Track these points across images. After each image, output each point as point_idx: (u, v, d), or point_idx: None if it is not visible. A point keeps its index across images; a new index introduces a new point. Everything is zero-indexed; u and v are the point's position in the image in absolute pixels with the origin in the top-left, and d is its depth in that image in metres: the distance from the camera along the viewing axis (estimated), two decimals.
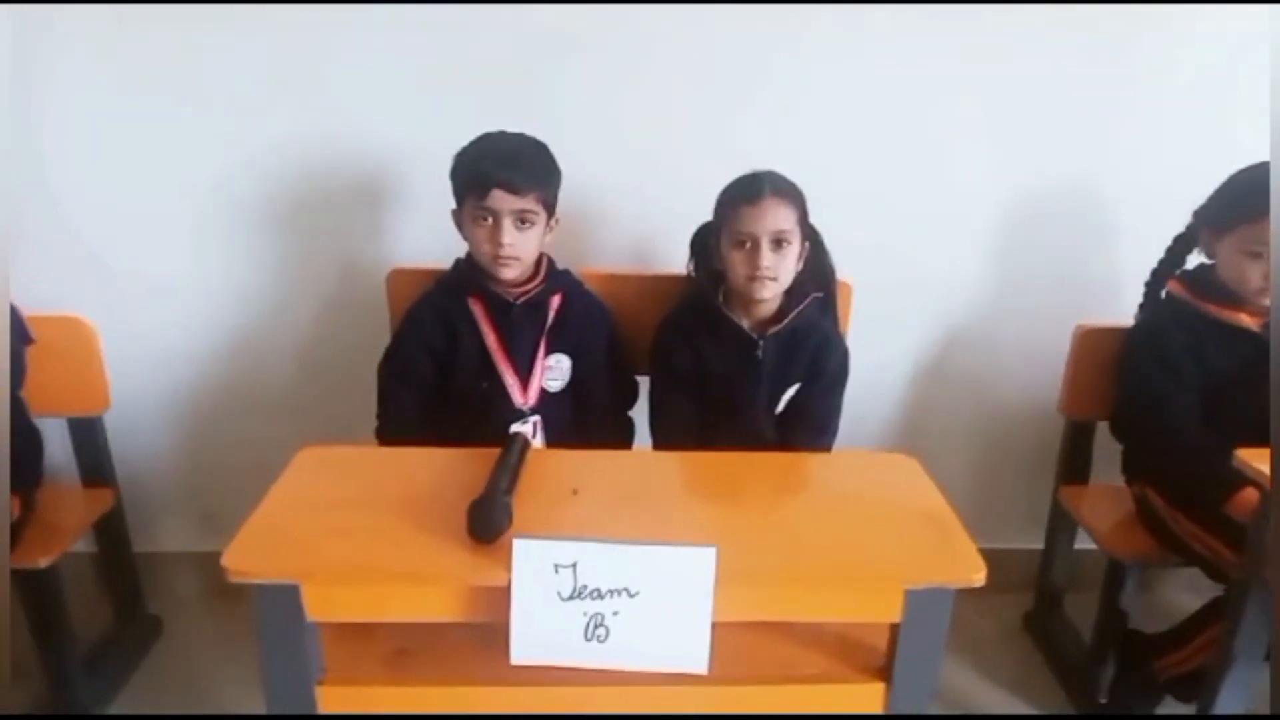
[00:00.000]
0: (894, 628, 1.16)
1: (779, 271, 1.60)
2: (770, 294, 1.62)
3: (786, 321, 1.66)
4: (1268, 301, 1.67)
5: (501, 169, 1.56)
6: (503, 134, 1.63)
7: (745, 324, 1.67)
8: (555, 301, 1.72)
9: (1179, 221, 1.82)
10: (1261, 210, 1.56)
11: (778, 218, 1.58)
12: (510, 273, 1.64)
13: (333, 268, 1.96)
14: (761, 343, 1.65)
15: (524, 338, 1.69)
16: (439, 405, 1.71)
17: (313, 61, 1.80)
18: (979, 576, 1.10)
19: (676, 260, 1.81)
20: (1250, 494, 1.55)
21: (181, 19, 1.75)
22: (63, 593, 1.73)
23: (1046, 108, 1.92)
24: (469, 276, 1.68)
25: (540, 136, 1.65)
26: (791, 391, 1.70)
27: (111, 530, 1.94)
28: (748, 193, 1.60)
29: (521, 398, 1.69)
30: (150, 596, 2.11)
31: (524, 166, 1.59)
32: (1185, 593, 2.24)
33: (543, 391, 1.71)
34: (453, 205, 1.65)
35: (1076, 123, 1.94)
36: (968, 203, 2.00)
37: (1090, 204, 2.01)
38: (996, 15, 1.84)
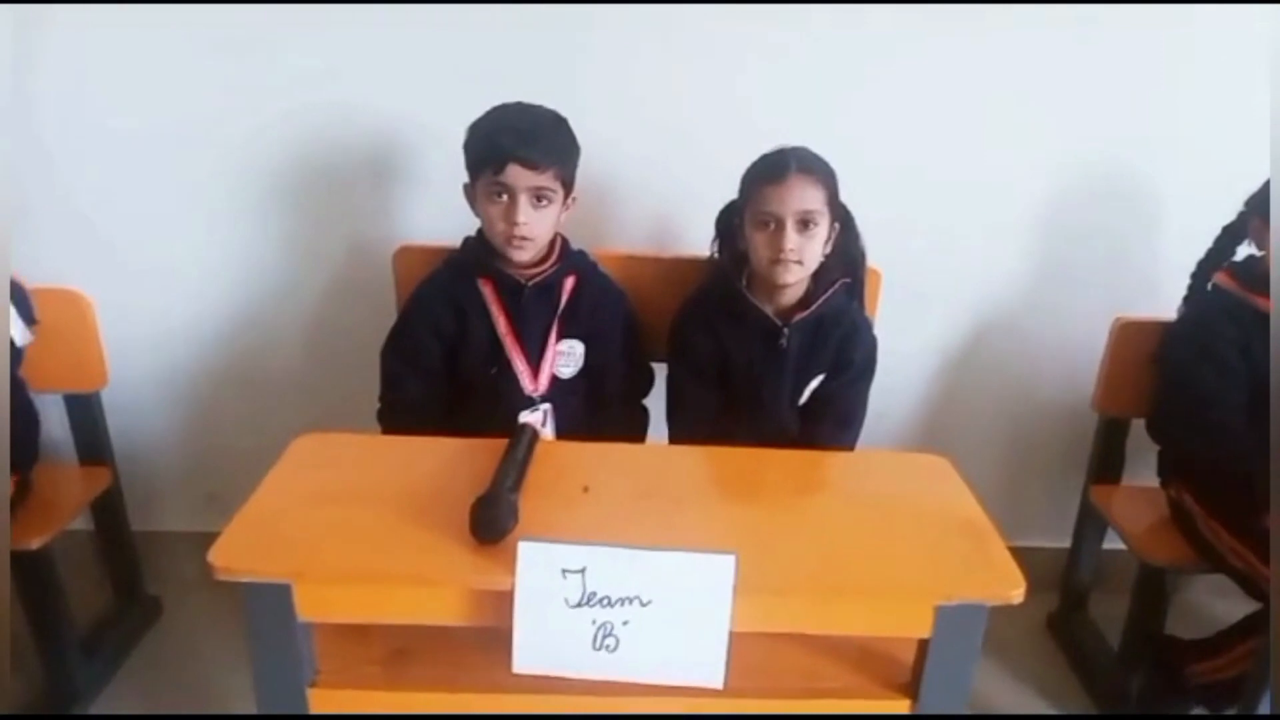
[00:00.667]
0: (922, 643, 1.09)
1: (804, 254, 1.51)
2: (794, 278, 1.54)
3: (813, 309, 1.58)
4: None
5: (519, 143, 1.46)
6: (520, 105, 1.53)
7: (769, 310, 1.58)
8: (569, 284, 1.63)
9: (1226, 212, 1.73)
10: None
11: (804, 197, 1.48)
12: (524, 255, 1.55)
13: (339, 244, 1.89)
14: (786, 331, 1.57)
15: (535, 322, 1.61)
16: (445, 391, 1.64)
17: (318, 34, 1.73)
18: (1017, 593, 1.03)
19: (697, 242, 1.73)
20: None
21: None
22: (58, 574, 1.69)
23: (1090, 90, 1.82)
24: (479, 256, 1.60)
25: (556, 110, 1.57)
26: (815, 383, 1.62)
27: (109, 509, 1.89)
28: (772, 170, 1.51)
29: (531, 384, 1.61)
30: (150, 577, 2.06)
31: (543, 141, 1.50)
32: (1214, 597, 2.16)
33: (554, 378, 1.63)
34: (465, 180, 1.57)
35: (1121, 107, 1.84)
36: (1004, 187, 1.90)
37: (1133, 192, 1.92)
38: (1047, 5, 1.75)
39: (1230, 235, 1.73)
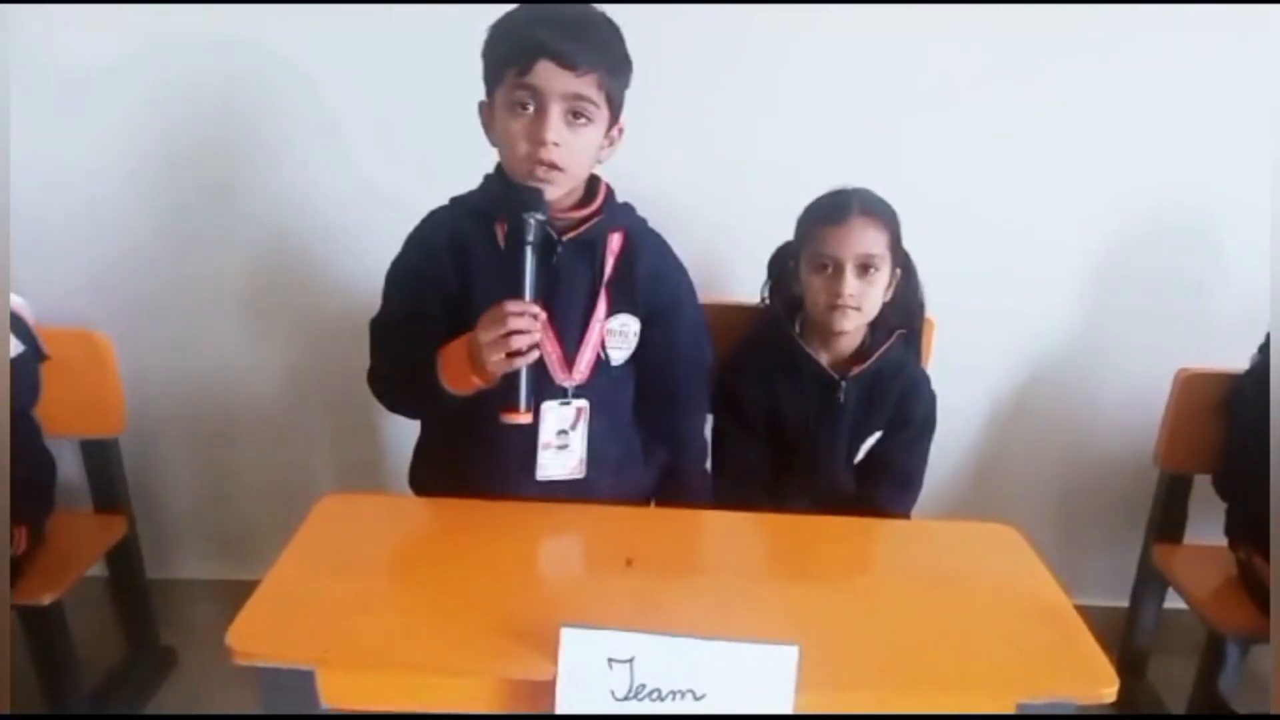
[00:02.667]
0: None
1: (863, 300, 1.42)
2: (852, 325, 1.45)
3: (871, 361, 1.49)
4: None
5: (556, 35, 1.13)
6: (555, 7, 1.20)
7: (824, 360, 1.50)
8: (615, 242, 1.31)
9: None
10: None
11: (865, 240, 1.40)
12: (554, 189, 1.20)
13: (367, 286, 1.82)
14: (844, 384, 1.48)
15: (573, 288, 1.26)
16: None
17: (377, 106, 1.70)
18: (1109, 692, 0.94)
19: (738, 289, 1.65)
20: None
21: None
22: (68, 630, 1.62)
23: (1156, 129, 1.75)
24: (499, 197, 1.25)
25: None
26: (872, 440, 1.53)
27: (124, 558, 1.83)
28: (833, 211, 1.43)
29: (564, 372, 1.27)
30: (164, 626, 1.99)
31: (586, 34, 1.16)
32: None
33: (598, 364, 1.30)
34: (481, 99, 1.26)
35: (1182, 149, 1.77)
36: (1059, 232, 1.83)
37: (1195, 236, 1.84)
38: (1101, 30, 1.68)
39: None
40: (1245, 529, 1.70)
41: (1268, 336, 1.69)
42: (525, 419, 1.15)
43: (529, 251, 1.14)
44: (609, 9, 1.23)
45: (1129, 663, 1.96)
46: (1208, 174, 1.79)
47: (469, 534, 1.15)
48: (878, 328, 1.51)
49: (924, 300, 1.59)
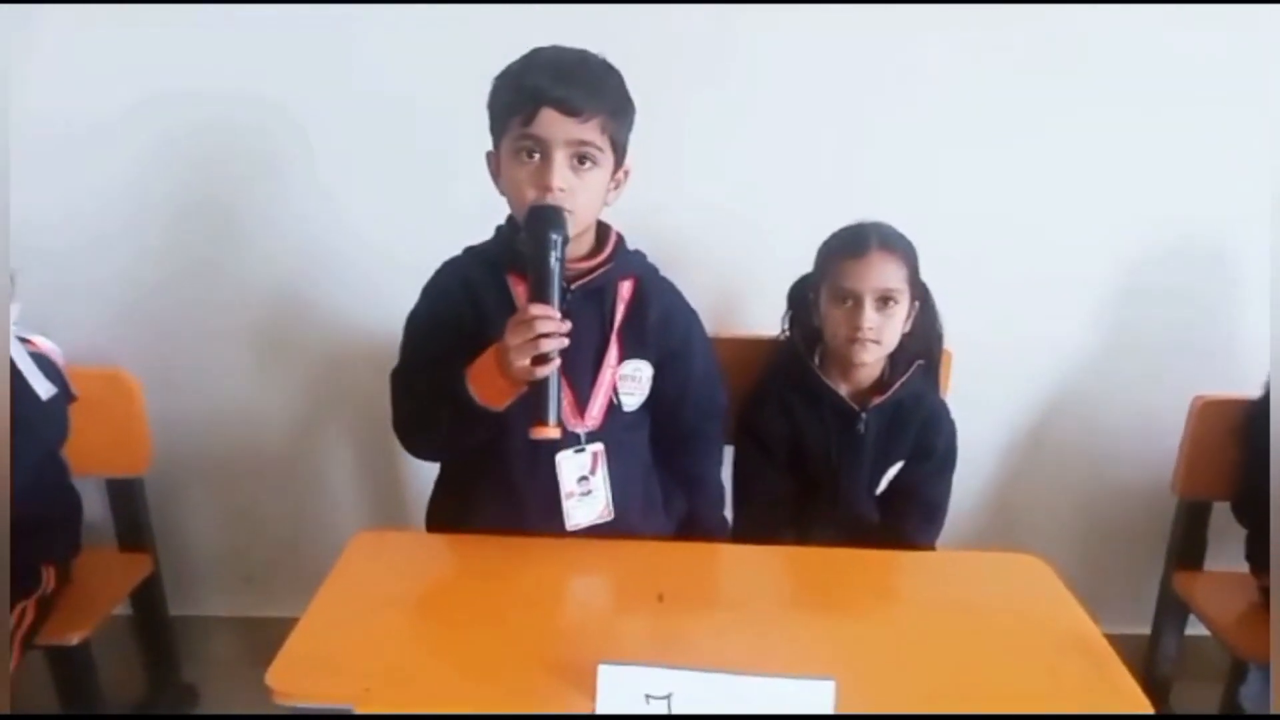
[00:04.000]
0: None
1: (883, 334, 1.44)
2: (872, 358, 1.46)
3: (891, 392, 1.50)
4: None
5: (557, 83, 1.15)
6: (561, 47, 1.23)
7: (844, 391, 1.52)
8: (625, 289, 1.33)
9: None
10: None
11: (885, 274, 1.42)
12: None
13: (384, 322, 1.84)
14: (865, 415, 1.49)
15: (584, 335, 1.25)
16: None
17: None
18: None
19: (754, 323, 1.67)
20: None
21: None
22: (95, 670, 1.62)
23: (1173, 155, 1.77)
24: (507, 246, 1.27)
25: None
26: (894, 470, 1.54)
27: (148, 597, 1.84)
28: (853, 245, 1.45)
29: (576, 418, 1.28)
30: (186, 663, 2.00)
31: (586, 82, 1.18)
32: None
33: (610, 410, 1.32)
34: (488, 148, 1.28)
35: (1205, 173, 1.78)
36: (1073, 261, 1.84)
37: (1210, 262, 1.85)
38: (1119, 58, 1.71)
39: None
40: (1266, 554, 1.71)
41: None
42: (555, 433, 1.13)
43: (554, 261, 1.14)
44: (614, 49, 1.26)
45: (1152, 690, 1.92)
46: (1222, 200, 1.80)
47: (502, 571, 1.17)
48: (897, 359, 1.52)
49: (942, 331, 1.60)
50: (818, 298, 1.51)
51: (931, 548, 1.56)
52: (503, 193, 1.26)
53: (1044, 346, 1.91)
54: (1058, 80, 1.72)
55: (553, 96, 1.15)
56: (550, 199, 1.17)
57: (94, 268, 1.80)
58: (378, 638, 1.03)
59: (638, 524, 1.35)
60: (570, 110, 1.16)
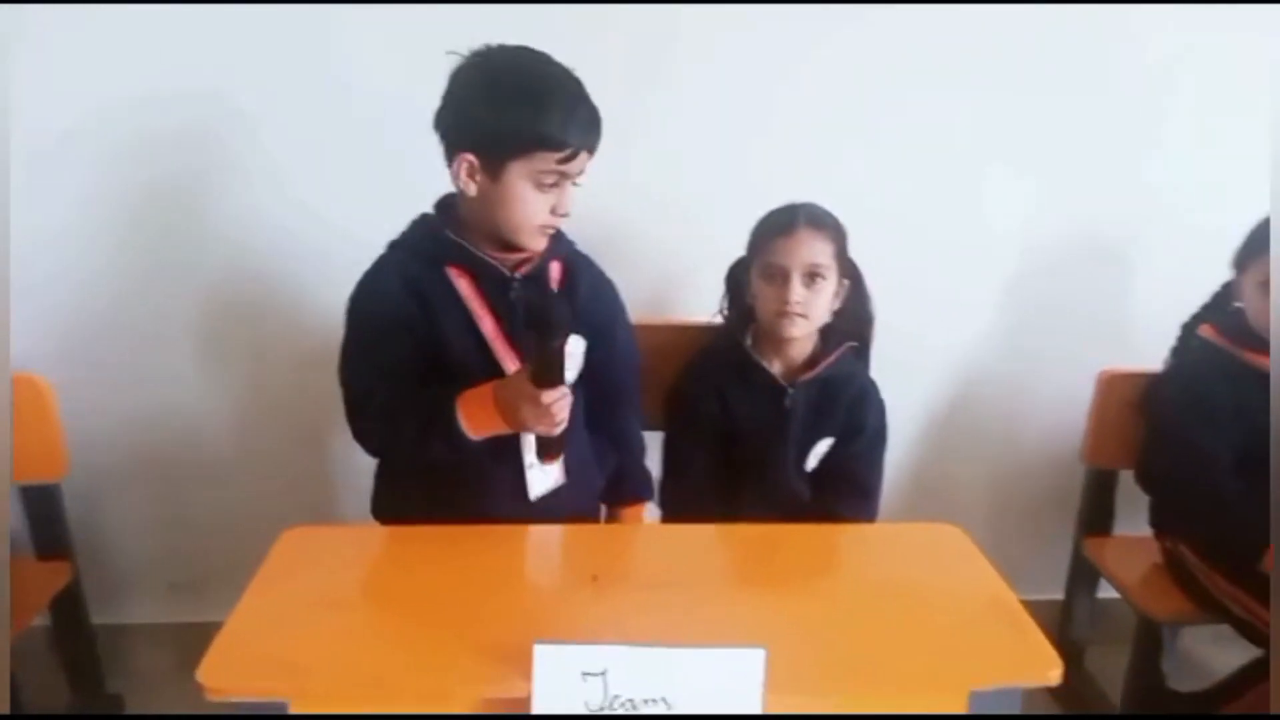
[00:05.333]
0: None
1: (810, 308, 1.48)
2: (800, 332, 1.50)
3: (819, 369, 1.54)
4: None
5: (592, 129, 1.25)
6: (562, 76, 1.26)
7: (776, 370, 1.55)
8: (555, 271, 1.41)
9: (1197, 264, 1.75)
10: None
11: (812, 250, 1.47)
12: (546, 242, 1.33)
13: (316, 323, 1.82)
14: (791, 391, 1.53)
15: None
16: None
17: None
18: (1054, 674, 1.00)
19: (691, 309, 1.70)
20: None
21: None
22: (15, 683, 1.56)
23: (1074, 150, 1.86)
24: (444, 240, 1.31)
25: None
26: (822, 447, 1.57)
27: (69, 605, 1.78)
28: (781, 223, 1.50)
29: None
30: (111, 673, 1.94)
31: (599, 121, 1.27)
32: (1212, 645, 2.15)
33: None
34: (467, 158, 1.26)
35: (1103, 166, 1.88)
36: (987, 247, 1.93)
37: (1114, 247, 1.95)
38: (1029, 54, 1.79)
39: (1227, 290, 1.74)
40: (1168, 519, 1.80)
41: (1179, 339, 1.80)
42: (557, 464, 1.32)
43: (555, 357, 1.21)
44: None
45: (1067, 652, 2.00)
46: (1118, 191, 1.90)
47: (433, 560, 1.17)
48: (829, 338, 1.56)
49: (874, 314, 1.64)
50: (750, 277, 1.54)
51: (867, 519, 1.59)
52: (471, 194, 1.27)
53: (959, 330, 1.99)
54: (970, 75, 1.79)
55: (590, 142, 1.26)
56: (557, 222, 1.30)
57: (24, 271, 1.73)
58: (310, 631, 1.03)
59: (584, 483, 1.45)
60: (594, 151, 1.28)
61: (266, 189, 1.75)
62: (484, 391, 1.24)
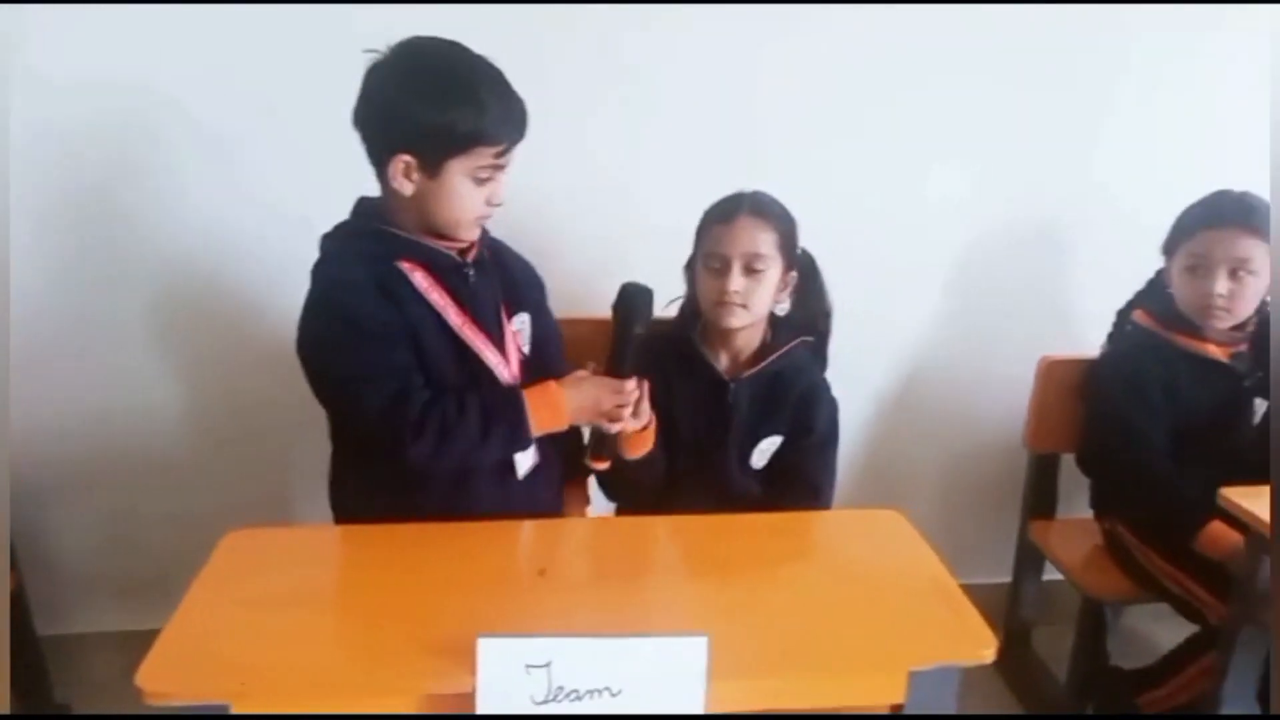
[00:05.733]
0: (896, 707, 1.07)
1: (749, 298, 1.44)
2: (739, 322, 1.46)
3: (764, 365, 1.50)
4: (1217, 323, 1.66)
5: (520, 122, 1.27)
6: (489, 73, 1.25)
7: (723, 363, 1.52)
8: (488, 256, 1.43)
9: (1134, 252, 1.80)
10: (1200, 223, 1.63)
11: (753, 239, 1.44)
12: (479, 231, 1.36)
13: (265, 321, 1.80)
14: (733, 386, 1.50)
15: (487, 303, 1.38)
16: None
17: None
18: (988, 652, 1.02)
19: None
20: (1218, 529, 1.53)
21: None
22: None
23: (1014, 139, 1.90)
24: (391, 237, 1.30)
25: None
26: (769, 444, 1.54)
27: (13, 615, 1.74)
28: (723, 211, 1.47)
29: (509, 375, 1.38)
30: (58, 683, 1.91)
31: (526, 111, 1.29)
32: (1154, 622, 2.21)
33: (521, 362, 1.43)
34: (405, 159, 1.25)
35: (1040, 156, 1.92)
36: (929, 237, 1.96)
37: (1053, 236, 1.99)
38: (976, 44, 1.82)
39: (1161, 276, 1.78)
40: (1107, 500, 1.85)
41: (1115, 324, 1.85)
42: (606, 464, 1.39)
43: (638, 329, 1.32)
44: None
45: (1015, 634, 2.09)
46: (1058, 180, 1.94)
47: (379, 559, 1.17)
48: (780, 331, 1.53)
49: (831, 309, 1.60)
50: (695, 267, 1.52)
51: None
52: (405, 193, 1.26)
53: (904, 320, 2.02)
54: (908, 69, 1.82)
55: (520, 135, 1.27)
56: (491, 212, 1.31)
57: None
58: (252, 632, 1.02)
59: (553, 462, 1.48)
60: (519, 141, 1.28)
61: (219, 188, 1.73)
62: (549, 388, 1.31)
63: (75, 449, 1.85)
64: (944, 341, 2.05)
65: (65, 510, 1.90)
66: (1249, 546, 1.42)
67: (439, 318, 1.31)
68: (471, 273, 1.35)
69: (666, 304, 1.61)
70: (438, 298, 1.31)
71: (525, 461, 1.41)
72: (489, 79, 1.25)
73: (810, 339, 1.57)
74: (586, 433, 1.40)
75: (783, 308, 1.57)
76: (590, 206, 1.83)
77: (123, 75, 1.65)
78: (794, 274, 1.52)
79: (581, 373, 1.33)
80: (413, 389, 1.26)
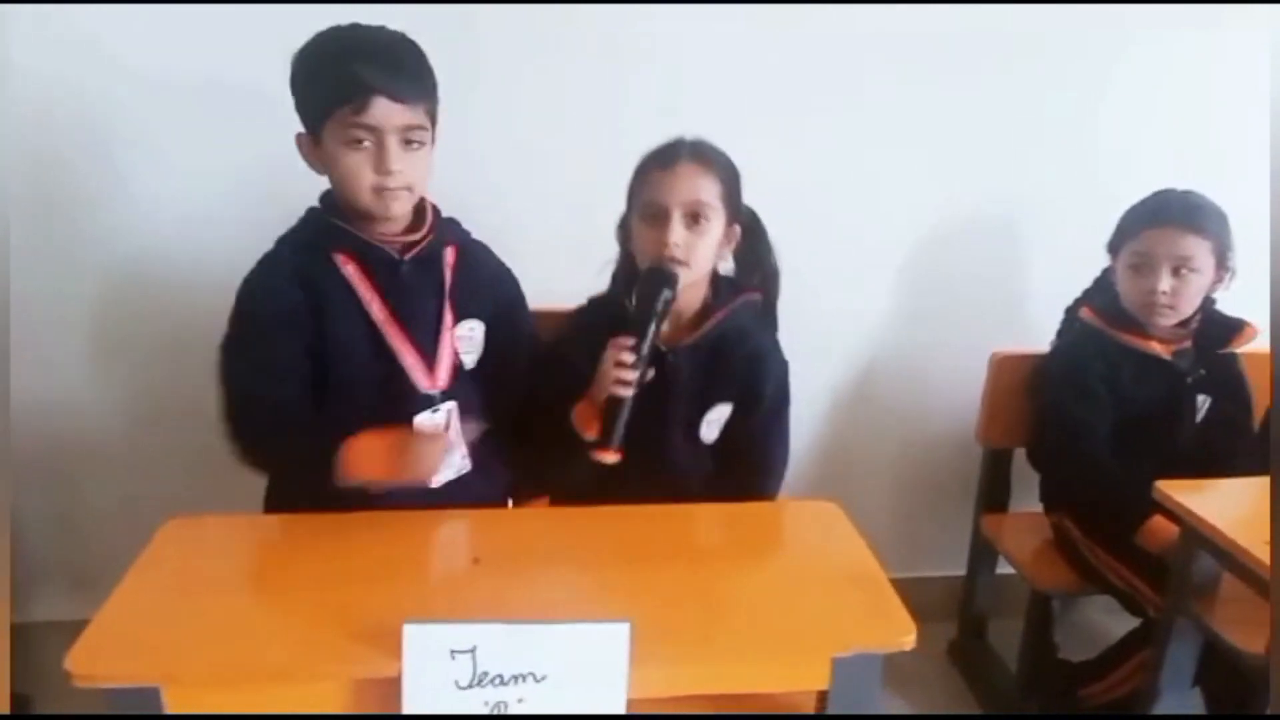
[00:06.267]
0: (821, 693, 1.09)
1: (692, 253, 1.33)
2: (681, 280, 1.33)
3: (705, 329, 1.40)
4: (1160, 320, 1.69)
5: (384, 72, 1.20)
6: (365, 27, 1.25)
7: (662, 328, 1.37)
8: (449, 256, 1.38)
9: (1082, 249, 1.83)
10: (1143, 223, 1.65)
11: (694, 187, 1.33)
12: (401, 207, 1.28)
13: (212, 308, 1.80)
14: (670, 357, 1.39)
15: (421, 303, 1.34)
16: (308, 396, 1.32)
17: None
18: (908, 640, 1.04)
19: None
20: (1158, 524, 1.56)
21: None
22: None
23: (968, 135, 1.91)
24: (330, 227, 1.31)
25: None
26: (717, 415, 1.44)
27: None
28: (661, 157, 1.37)
29: (427, 380, 1.33)
30: (17, 673, 1.91)
31: (409, 67, 1.24)
32: (1106, 615, 2.23)
33: (456, 369, 1.38)
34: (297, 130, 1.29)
35: (993, 151, 1.93)
36: (883, 231, 1.97)
37: (1006, 232, 2.01)
38: (920, 47, 1.83)
39: (1107, 274, 1.81)
40: (1055, 495, 1.88)
41: (1063, 321, 1.87)
42: (615, 457, 1.28)
43: (655, 319, 1.30)
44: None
45: (969, 626, 2.12)
46: (1011, 176, 1.96)
47: (316, 546, 1.18)
48: (721, 292, 1.43)
49: (778, 268, 1.52)
50: (630, 222, 1.42)
51: (773, 494, 1.52)
52: (320, 173, 1.29)
53: (859, 314, 2.03)
54: (861, 59, 1.83)
55: (384, 86, 1.20)
56: (389, 180, 1.24)
57: None
58: (184, 618, 1.03)
59: (489, 473, 1.43)
60: (399, 98, 1.21)
61: (160, 183, 1.73)
62: (374, 444, 1.22)
63: (24, 441, 1.84)
64: (900, 335, 2.06)
65: (20, 502, 1.89)
66: (1183, 540, 1.44)
67: (364, 311, 1.30)
68: (405, 269, 1.32)
69: (598, 270, 1.54)
70: (364, 290, 1.30)
71: (444, 470, 1.35)
72: (359, 38, 1.23)
73: (756, 295, 1.48)
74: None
75: (726, 266, 1.49)
76: (551, 212, 1.83)
77: (68, 67, 1.64)
78: (737, 228, 1.42)
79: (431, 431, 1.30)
80: (271, 384, 1.29)
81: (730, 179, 1.39)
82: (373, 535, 1.17)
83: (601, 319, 1.43)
